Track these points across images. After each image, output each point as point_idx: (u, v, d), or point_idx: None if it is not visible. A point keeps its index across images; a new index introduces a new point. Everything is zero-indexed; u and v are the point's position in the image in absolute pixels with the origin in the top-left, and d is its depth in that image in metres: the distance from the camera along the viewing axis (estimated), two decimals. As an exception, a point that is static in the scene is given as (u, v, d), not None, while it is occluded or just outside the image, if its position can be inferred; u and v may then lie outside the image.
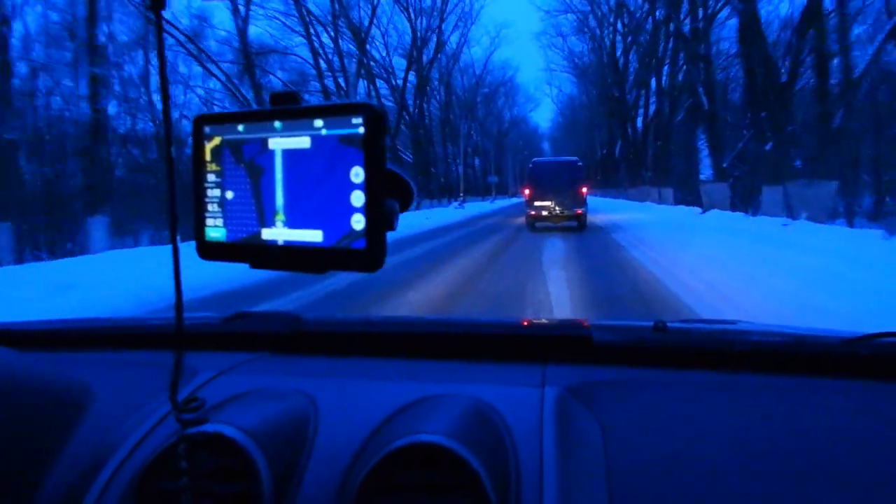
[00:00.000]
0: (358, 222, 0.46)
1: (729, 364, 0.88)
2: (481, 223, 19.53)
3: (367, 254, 0.46)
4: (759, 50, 16.60)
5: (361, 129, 0.45)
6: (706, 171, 26.07)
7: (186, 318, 0.50)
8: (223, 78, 20.25)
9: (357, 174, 0.45)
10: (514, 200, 54.19)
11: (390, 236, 0.47)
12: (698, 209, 18.84)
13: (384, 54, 36.44)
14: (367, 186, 0.45)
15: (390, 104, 34.36)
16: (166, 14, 0.46)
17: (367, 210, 0.45)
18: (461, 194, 39.41)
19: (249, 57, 20.65)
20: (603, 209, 23.91)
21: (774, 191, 14.27)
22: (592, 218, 16.46)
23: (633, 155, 36.64)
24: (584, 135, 63.76)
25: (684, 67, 26.35)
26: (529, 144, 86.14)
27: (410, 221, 16.61)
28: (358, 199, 0.46)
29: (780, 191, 13.76)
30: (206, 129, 0.53)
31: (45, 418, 0.73)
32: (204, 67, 19.95)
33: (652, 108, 34.33)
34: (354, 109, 0.45)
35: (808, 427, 0.72)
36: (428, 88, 39.99)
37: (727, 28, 23.97)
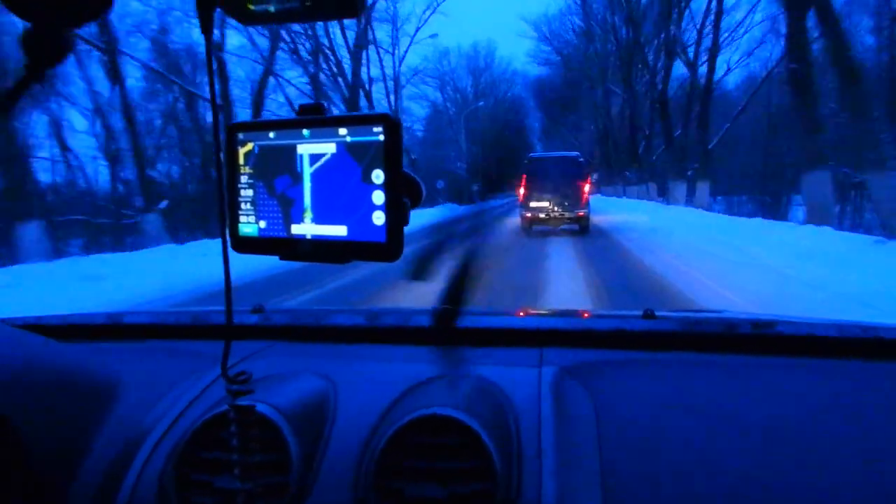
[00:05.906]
0: (378, 218, 0.52)
1: (710, 346, 0.96)
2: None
3: (387, 246, 0.51)
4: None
5: (382, 137, 0.51)
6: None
7: (201, 311, 0.55)
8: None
9: (378, 176, 0.51)
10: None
11: None
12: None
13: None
14: (386, 187, 0.51)
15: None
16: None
17: (387, 207, 0.51)
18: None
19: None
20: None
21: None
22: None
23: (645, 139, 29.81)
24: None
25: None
26: (495, 90, 48.65)
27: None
28: (378, 197, 0.51)
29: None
30: (240, 136, 0.58)
31: (81, 400, 0.79)
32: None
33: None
34: (375, 119, 0.51)
35: (780, 400, 0.80)
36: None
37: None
